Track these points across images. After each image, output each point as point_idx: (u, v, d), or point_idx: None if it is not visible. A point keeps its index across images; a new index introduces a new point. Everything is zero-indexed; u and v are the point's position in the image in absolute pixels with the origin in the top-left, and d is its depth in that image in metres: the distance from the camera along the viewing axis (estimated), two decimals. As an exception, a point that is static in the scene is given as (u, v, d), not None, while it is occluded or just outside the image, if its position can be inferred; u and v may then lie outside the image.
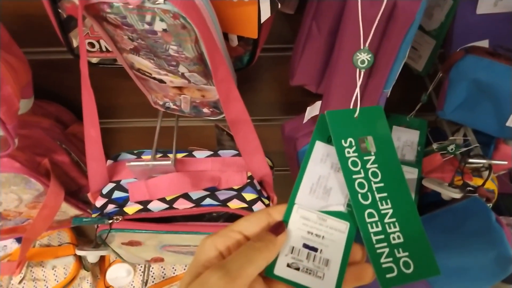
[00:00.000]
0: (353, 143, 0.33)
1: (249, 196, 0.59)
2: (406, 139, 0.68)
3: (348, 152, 0.33)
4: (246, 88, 0.78)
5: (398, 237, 0.31)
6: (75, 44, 0.58)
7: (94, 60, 0.60)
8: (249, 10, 0.49)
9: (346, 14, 0.46)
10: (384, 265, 0.31)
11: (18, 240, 0.99)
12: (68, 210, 0.78)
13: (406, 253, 0.31)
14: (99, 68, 0.61)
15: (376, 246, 0.31)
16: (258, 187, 0.61)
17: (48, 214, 0.70)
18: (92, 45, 0.57)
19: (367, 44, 0.35)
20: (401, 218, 0.32)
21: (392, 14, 0.45)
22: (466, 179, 0.61)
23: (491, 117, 0.55)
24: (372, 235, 0.31)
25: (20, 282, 0.95)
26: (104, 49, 0.58)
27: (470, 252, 0.55)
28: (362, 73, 0.34)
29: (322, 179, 0.34)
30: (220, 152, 0.63)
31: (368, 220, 0.31)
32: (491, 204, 0.60)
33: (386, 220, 0.32)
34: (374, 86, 0.52)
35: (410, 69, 0.67)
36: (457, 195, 0.58)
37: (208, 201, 0.58)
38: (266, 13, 0.50)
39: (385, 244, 0.31)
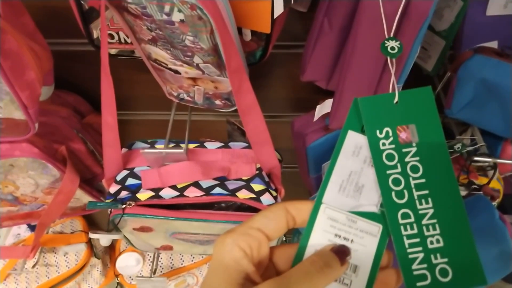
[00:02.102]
0: (390, 134, 0.30)
1: (257, 187, 0.61)
2: (414, 138, 0.69)
3: (384, 144, 0.30)
4: (257, 84, 0.80)
5: (437, 241, 0.28)
6: (95, 35, 0.60)
7: (113, 52, 0.63)
8: (263, 5, 0.51)
9: (361, 10, 0.47)
10: (415, 272, 0.28)
11: (32, 228, 1.02)
12: (82, 197, 0.80)
13: (445, 259, 0.28)
14: (117, 60, 0.64)
15: (409, 250, 0.28)
16: (267, 179, 0.63)
17: (63, 199, 0.72)
18: (111, 36, 0.60)
19: (391, 34, 0.35)
20: (444, 219, 0.28)
21: (406, 11, 0.46)
22: (471, 177, 0.62)
23: (498, 117, 0.56)
24: (404, 238, 0.28)
25: (33, 266, 0.98)
26: (122, 40, 0.60)
27: (473, 248, 0.55)
28: (394, 61, 0.32)
29: (353, 175, 0.30)
30: (230, 144, 0.65)
31: (401, 221, 0.28)
32: (495, 203, 0.61)
33: (424, 222, 0.28)
34: (388, 80, 0.53)
35: (419, 69, 0.68)
36: (462, 192, 0.59)
37: (217, 190, 0.60)
38: (279, 9, 0.51)
39: (419, 248, 0.28)
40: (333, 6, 0.53)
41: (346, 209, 0.30)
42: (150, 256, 0.99)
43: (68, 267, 1.00)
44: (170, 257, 1.00)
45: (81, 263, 1.00)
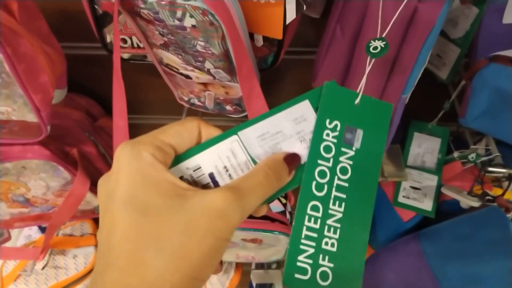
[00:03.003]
0: (338, 128, 0.30)
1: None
2: (427, 146, 0.68)
3: (327, 135, 0.30)
4: (268, 90, 0.80)
5: (332, 245, 0.29)
6: (108, 39, 0.60)
7: (126, 56, 0.63)
8: (275, 11, 0.51)
9: (368, 15, 0.47)
10: (299, 263, 0.28)
11: (42, 230, 1.03)
12: (92, 201, 0.81)
13: (331, 265, 0.28)
14: (129, 64, 0.64)
15: (303, 241, 0.28)
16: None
17: (73, 202, 0.73)
18: (124, 41, 0.60)
19: (384, 34, 0.35)
20: (347, 228, 0.29)
21: (413, 18, 0.46)
22: (485, 188, 0.60)
23: (513, 126, 0.55)
24: (304, 228, 0.29)
25: (43, 268, 0.98)
26: (135, 45, 0.60)
27: (486, 261, 0.54)
28: (372, 61, 0.33)
29: (280, 135, 0.30)
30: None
31: (309, 211, 0.29)
32: (510, 215, 0.59)
33: (329, 222, 0.29)
34: (392, 89, 0.53)
35: (434, 76, 0.67)
36: (475, 203, 0.58)
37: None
38: (291, 15, 0.51)
39: (313, 243, 0.28)
40: (346, 13, 0.53)
41: (252, 154, 0.30)
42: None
43: (77, 270, 1.01)
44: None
45: (90, 266, 1.01)
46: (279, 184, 0.28)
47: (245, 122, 0.30)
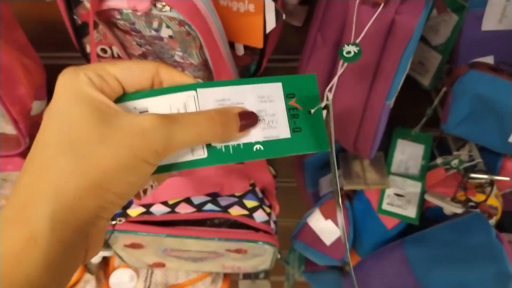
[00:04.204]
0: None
1: (250, 203, 0.60)
2: (410, 153, 0.68)
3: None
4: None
5: None
6: (88, 49, 0.60)
7: (106, 66, 0.62)
8: (254, 20, 0.50)
9: (346, 24, 0.47)
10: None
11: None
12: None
13: None
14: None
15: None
16: (260, 195, 0.62)
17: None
18: (104, 51, 0.59)
19: (358, 40, 0.35)
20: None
21: (391, 29, 0.46)
22: (469, 194, 0.60)
23: (494, 133, 0.55)
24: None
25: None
26: (115, 55, 0.60)
27: (470, 267, 0.54)
28: (345, 65, 0.32)
29: (239, 106, 0.29)
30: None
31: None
32: (493, 221, 0.59)
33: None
34: (376, 97, 0.53)
35: (417, 83, 0.67)
36: (458, 210, 0.58)
37: (209, 206, 0.59)
38: (271, 24, 0.51)
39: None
40: (326, 22, 0.53)
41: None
42: (144, 272, 0.98)
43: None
44: (165, 274, 0.99)
45: (74, 278, 0.99)
46: (223, 133, 0.27)
47: (209, 81, 0.29)
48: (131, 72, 0.27)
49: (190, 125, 0.26)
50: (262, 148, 0.29)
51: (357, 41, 0.34)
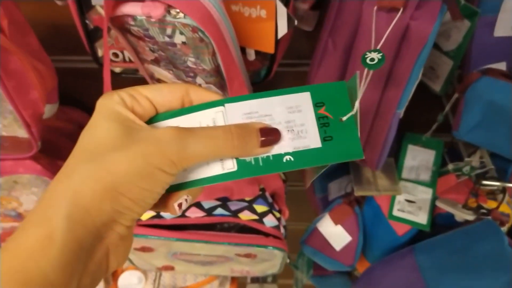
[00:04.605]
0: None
1: (260, 208, 0.60)
2: (421, 159, 0.68)
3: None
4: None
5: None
6: (100, 53, 0.60)
7: (117, 70, 0.63)
8: (266, 26, 0.50)
9: (360, 29, 0.47)
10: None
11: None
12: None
13: None
14: (121, 78, 0.64)
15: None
16: (270, 200, 0.62)
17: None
18: (116, 55, 0.60)
19: (379, 46, 0.34)
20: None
21: (405, 34, 0.46)
22: (480, 201, 0.60)
23: (506, 139, 0.54)
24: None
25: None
26: (127, 59, 0.60)
27: (481, 275, 0.54)
28: (370, 73, 0.31)
29: (267, 118, 0.29)
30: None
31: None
32: (505, 228, 0.59)
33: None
34: (387, 104, 0.53)
35: (428, 88, 0.67)
36: (470, 217, 0.58)
37: (219, 211, 0.59)
38: (283, 29, 0.51)
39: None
40: (337, 27, 0.53)
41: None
42: (153, 275, 0.98)
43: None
44: (173, 276, 0.99)
45: (83, 279, 1.00)
46: (241, 147, 0.27)
47: (236, 96, 0.29)
48: (161, 92, 0.29)
49: (206, 137, 0.26)
50: (292, 159, 0.28)
51: (378, 47, 0.34)
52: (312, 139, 0.29)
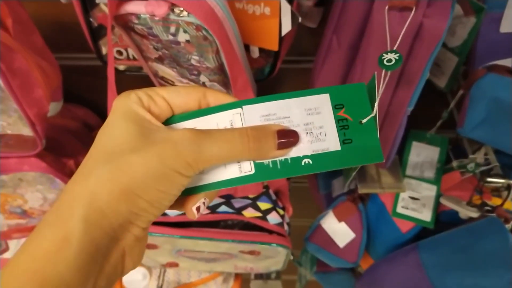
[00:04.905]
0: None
1: (264, 205, 0.60)
2: (425, 156, 0.68)
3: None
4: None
5: None
6: (104, 51, 0.60)
7: (122, 68, 0.63)
8: (270, 23, 0.50)
9: (370, 28, 0.46)
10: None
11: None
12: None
13: None
14: (126, 75, 0.64)
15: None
16: (274, 197, 0.62)
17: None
18: (120, 53, 0.60)
19: (395, 47, 0.34)
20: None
21: (418, 32, 0.46)
22: (485, 198, 0.60)
23: (510, 137, 0.54)
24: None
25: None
26: (131, 57, 0.60)
27: (485, 273, 0.54)
28: (388, 73, 0.31)
29: (286, 121, 0.28)
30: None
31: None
32: (510, 225, 0.59)
33: None
34: (398, 103, 0.52)
35: (433, 85, 0.66)
36: (474, 214, 0.58)
37: (223, 208, 0.59)
38: (287, 27, 0.51)
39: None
40: (342, 25, 0.52)
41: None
42: (158, 271, 0.99)
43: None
44: (177, 272, 1.00)
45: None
46: (257, 149, 0.27)
47: (254, 98, 0.29)
48: (179, 94, 0.29)
49: (222, 140, 0.26)
50: (311, 162, 0.28)
51: (395, 47, 0.33)
52: (331, 142, 0.28)
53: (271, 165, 0.28)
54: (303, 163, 0.28)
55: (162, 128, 0.27)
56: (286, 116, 0.28)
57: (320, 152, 0.28)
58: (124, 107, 0.27)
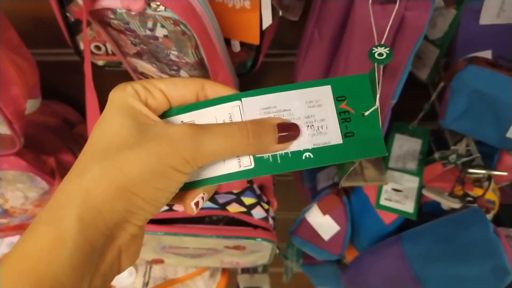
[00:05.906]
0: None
1: (248, 200, 0.60)
2: (408, 148, 0.68)
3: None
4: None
5: None
6: (82, 46, 0.59)
7: (100, 63, 0.62)
8: (251, 17, 0.50)
9: (352, 22, 0.46)
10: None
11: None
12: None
13: None
14: (105, 71, 0.63)
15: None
16: (258, 192, 0.62)
17: (53, 212, 0.71)
18: (98, 48, 0.59)
19: (383, 41, 0.34)
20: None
21: (400, 25, 0.45)
22: (466, 189, 0.60)
23: (492, 128, 0.55)
24: None
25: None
26: (110, 52, 0.59)
27: (468, 262, 0.54)
28: (381, 67, 0.30)
29: (286, 113, 0.28)
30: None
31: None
32: (490, 215, 0.60)
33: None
34: (383, 96, 0.52)
35: (414, 77, 0.67)
36: (456, 205, 0.58)
37: (207, 204, 0.59)
38: (267, 20, 0.50)
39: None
40: (323, 18, 0.52)
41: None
42: (143, 267, 0.98)
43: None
44: (164, 268, 0.99)
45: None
46: (257, 144, 0.26)
47: (253, 90, 0.28)
48: (176, 86, 0.28)
49: (220, 135, 0.26)
50: (311, 156, 0.27)
51: (382, 41, 0.33)
52: (332, 135, 0.28)
53: (271, 159, 0.27)
54: (303, 157, 0.27)
55: (159, 123, 0.26)
56: (286, 108, 0.28)
57: (321, 145, 0.27)
58: (120, 101, 0.26)
